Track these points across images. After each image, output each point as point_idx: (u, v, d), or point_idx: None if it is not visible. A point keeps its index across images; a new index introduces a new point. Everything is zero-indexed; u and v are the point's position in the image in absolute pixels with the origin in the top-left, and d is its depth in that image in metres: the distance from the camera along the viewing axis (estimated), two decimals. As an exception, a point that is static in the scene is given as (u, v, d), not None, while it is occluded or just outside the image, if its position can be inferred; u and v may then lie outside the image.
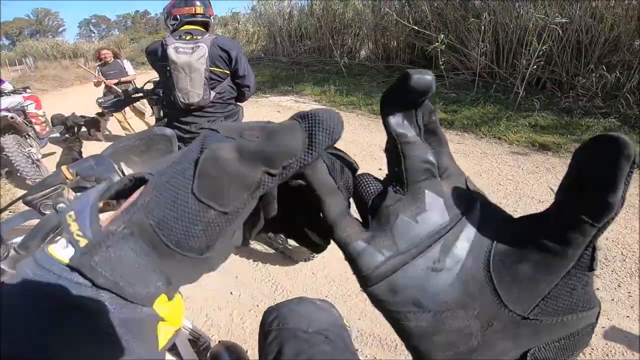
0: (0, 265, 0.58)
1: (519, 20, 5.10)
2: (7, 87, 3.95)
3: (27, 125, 3.68)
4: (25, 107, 3.83)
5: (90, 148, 4.35)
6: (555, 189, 0.20)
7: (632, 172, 0.17)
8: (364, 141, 4.29)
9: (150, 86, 2.85)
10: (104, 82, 4.73)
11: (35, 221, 0.65)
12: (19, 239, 0.61)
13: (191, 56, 1.97)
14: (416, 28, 6.01)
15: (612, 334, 1.66)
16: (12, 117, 3.36)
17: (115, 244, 0.19)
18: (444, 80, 5.80)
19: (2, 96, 3.70)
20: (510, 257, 0.20)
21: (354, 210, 0.23)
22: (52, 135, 4.30)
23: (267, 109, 5.95)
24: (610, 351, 1.59)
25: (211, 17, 2.18)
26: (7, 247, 0.60)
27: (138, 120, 5.06)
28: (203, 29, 2.11)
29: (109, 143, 1.06)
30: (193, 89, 2.03)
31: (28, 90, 4.18)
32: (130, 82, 4.91)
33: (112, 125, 5.06)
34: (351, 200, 0.24)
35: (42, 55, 19.59)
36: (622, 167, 0.17)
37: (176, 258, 0.20)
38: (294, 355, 0.64)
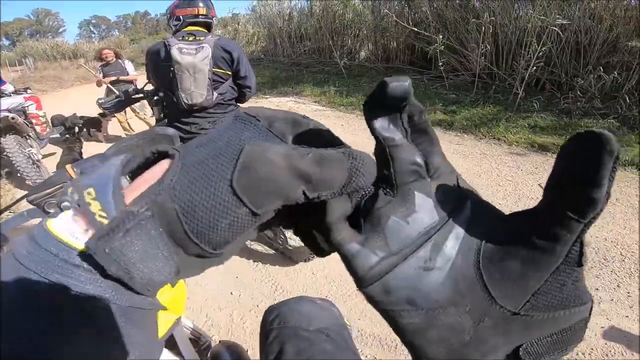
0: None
1: (518, 21, 5.12)
2: (8, 88, 3.95)
3: (27, 125, 3.69)
4: (26, 108, 3.83)
5: (91, 149, 4.36)
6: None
7: (615, 167, 0.17)
8: (363, 142, 4.29)
9: (150, 87, 2.86)
10: (103, 81, 4.74)
11: (38, 220, 0.65)
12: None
13: (195, 57, 1.98)
14: (415, 29, 6.02)
15: (611, 333, 1.67)
16: (13, 118, 3.36)
17: (134, 228, 0.18)
18: (443, 81, 5.81)
19: (3, 97, 3.70)
20: (500, 255, 0.20)
21: None
22: (52, 136, 4.30)
23: (267, 110, 5.94)
24: (610, 351, 1.59)
25: (214, 19, 2.18)
26: (10, 246, 0.60)
27: (138, 120, 5.06)
28: (205, 30, 2.12)
29: (110, 144, 1.07)
30: (197, 90, 2.04)
31: (29, 91, 4.19)
32: (131, 82, 4.91)
33: (113, 126, 5.07)
34: None
35: (42, 56, 19.60)
36: (605, 162, 0.17)
37: (190, 249, 0.19)
38: (295, 354, 0.64)
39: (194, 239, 0.19)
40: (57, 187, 0.62)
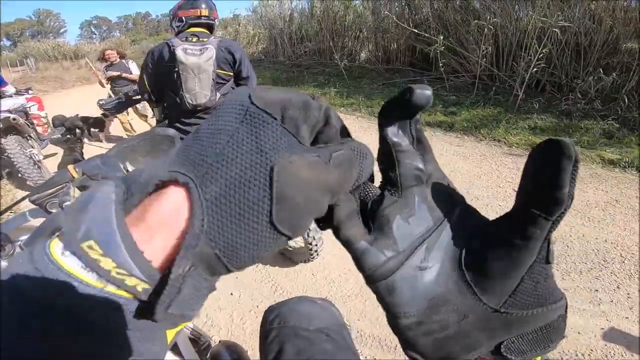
0: (6, 263, 0.59)
1: (519, 23, 5.12)
2: (10, 89, 3.96)
3: (29, 126, 3.70)
4: (28, 109, 3.85)
5: (92, 150, 4.36)
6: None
7: (576, 170, 0.19)
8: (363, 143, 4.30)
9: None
10: (106, 76, 4.77)
11: (40, 219, 0.66)
12: (24, 237, 0.62)
13: (200, 57, 1.99)
14: (416, 31, 6.03)
15: (611, 335, 1.67)
16: (14, 119, 3.37)
17: (184, 284, 0.18)
18: (443, 82, 5.81)
19: (5, 98, 3.71)
20: (482, 255, 0.22)
21: None
22: (53, 137, 4.30)
23: (267, 111, 5.95)
24: (610, 352, 1.59)
25: (215, 20, 2.20)
26: (13, 246, 0.61)
27: (140, 121, 5.08)
28: (207, 32, 2.13)
29: (111, 144, 1.07)
30: (201, 90, 2.05)
31: (30, 92, 4.20)
32: (134, 81, 4.93)
33: (115, 126, 5.08)
34: None
35: (43, 57, 19.63)
36: (565, 166, 0.19)
37: (223, 274, 0.20)
38: (295, 353, 0.64)
39: (232, 270, 0.19)
40: (59, 187, 0.63)
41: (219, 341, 1.05)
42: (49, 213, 0.62)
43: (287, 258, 2.25)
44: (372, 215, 0.23)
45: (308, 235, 2.00)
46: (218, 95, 2.12)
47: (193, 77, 2.02)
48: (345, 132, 0.23)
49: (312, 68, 8.66)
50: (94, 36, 62.75)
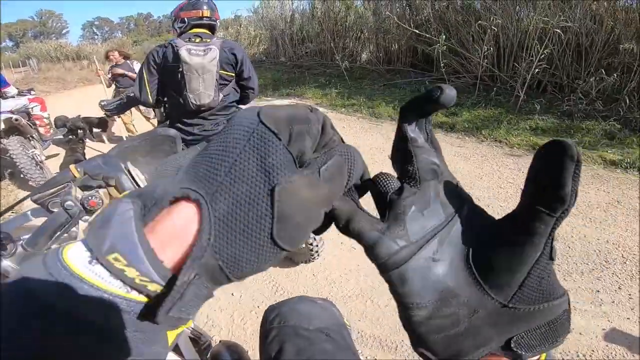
0: (8, 262, 0.59)
1: (520, 23, 5.12)
2: (12, 90, 3.98)
3: (31, 127, 3.71)
4: (30, 109, 3.86)
5: (93, 150, 4.38)
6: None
7: (578, 169, 0.20)
8: (365, 144, 4.30)
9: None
10: (112, 72, 4.81)
11: (42, 219, 0.66)
12: (26, 237, 0.62)
13: (204, 58, 2.00)
14: (417, 31, 6.03)
15: (612, 335, 1.66)
16: (16, 119, 3.39)
17: (187, 291, 0.19)
18: (445, 83, 5.80)
19: (7, 99, 3.73)
20: (489, 251, 0.23)
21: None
22: (55, 137, 4.32)
23: (268, 112, 5.96)
24: (611, 353, 1.59)
25: (217, 21, 2.21)
26: (14, 245, 0.61)
27: (142, 122, 5.09)
28: (209, 32, 2.14)
29: (113, 144, 1.08)
30: (205, 90, 2.06)
31: (32, 92, 4.22)
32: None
33: (117, 127, 5.09)
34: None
35: (45, 57, 19.70)
36: (568, 166, 0.20)
37: (224, 284, 0.21)
38: (294, 353, 0.64)
39: (233, 280, 0.21)
40: (60, 186, 0.63)
41: (220, 341, 1.05)
42: (50, 212, 0.63)
43: (288, 258, 2.25)
44: (390, 204, 0.24)
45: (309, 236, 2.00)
46: (220, 95, 2.13)
47: (197, 78, 2.02)
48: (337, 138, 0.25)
49: (313, 69, 8.67)
50: (95, 37, 62.97)
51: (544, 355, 0.24)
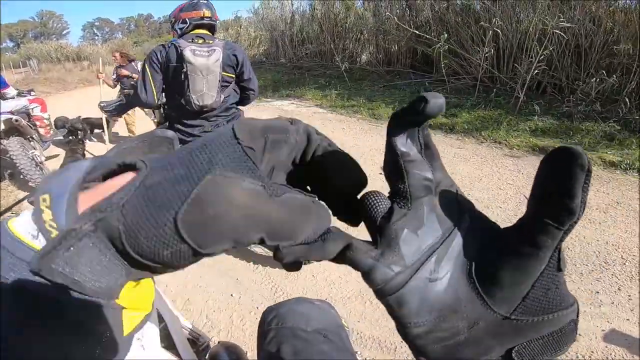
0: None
1: (519, 25, 5.13)
2: (11, 92, 3.98)
3: (31, 128, 3.71)
4: (31, 110, 3.86)
5: (95, 150, 4.38)
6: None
7: (588, 179, 0.19)
8: (364, 145, 4.30)
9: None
10: (118, 73, 4.83)
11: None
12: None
13: (208, 59, 2.01)
14: (417, 32, 6.04)
15: (612, 336, 1.66)
16: (16, 120, 3.39)
17: (77, 243, 0.17)
18: (444, 85, 5.82)
19: (7, 100, 3.73)
20: (492, 264, 0.22)
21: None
22: (55, 138, 4.33)
23: (268, 113, 5.97)
24: (610, 354, 1.59)
25: (217, 22, 2.22)
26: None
27: (144, 122, 5.10)
28: (210, 33, 2.15)
29: (112, 146, 1.08)
30: (209, 91, 2.06)
31: (32, 93, 4.22)
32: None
33: (120, 127, 5.11)
34: None
35: (46, 58, 19.70)
36: (578, 176, 0.19)
37: (134, 263, 0.19)
38: (292, 354, 0.64)
39: (137, 258, 0.18)
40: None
41: (218, 342, 1.05)
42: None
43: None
44: (379, 230, 0.23)
45: None
46: (222, 96, 2.14)
47: (201, 79, 2.03)
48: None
49: (313, 70, 8.68)
50: (96, 38, 63.04)
51: None
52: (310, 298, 0.82)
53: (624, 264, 2.12)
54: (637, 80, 4.16)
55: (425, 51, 6.39)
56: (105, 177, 0.21)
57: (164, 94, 2.31)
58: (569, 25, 4.42)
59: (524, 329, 0.22)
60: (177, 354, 0.92)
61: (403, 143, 0.23)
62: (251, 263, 2.31)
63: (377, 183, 0.25)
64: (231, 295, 2.08)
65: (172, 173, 0.18)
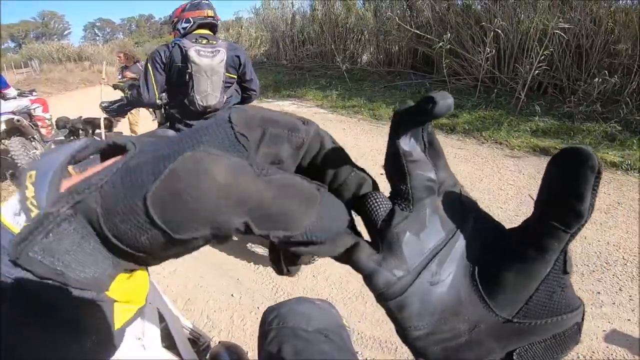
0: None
1: (520, 25, 5.13)
2: (12, 92, 4.00)
3: (32, 128, 3.73)
4: (32, 110, 3.88)
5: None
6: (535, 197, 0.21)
7: (598, 181, 0.18)
8: (365, 146, 4.30)
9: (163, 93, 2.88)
10: (123, 74, 4.87)
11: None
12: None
13: (213, 60, 2.01)
14: (418, 32, 6.04)
15: (613, 337, 1.66)
16: (18, 120, 3.41)
17: (55, 228, 0.16)
18: (445, 85, 5.82)
19: (8, 100, 3.74)
20: (496, 267, 0.22)
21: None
22: (56, 138, 4.33)
23: (269, 113, 5.97)
24: (611, 354, 1.58)
25: (218, 22, 2.23)
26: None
27: (146, 123, 5.12)
28: (212, 33, 2.16)
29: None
30: (213, 92, 2.07)
31: (34, 93, 4.24)
32: None
33: (121, 127, 5.11)
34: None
35: (47, 58, 19.71)
36: (588, 178, 0.18)
37: (117, 251, 0.17)
38: (293, 354, 0.64)
39: (116, 243, 0.17)
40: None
41: (219, 342, 1.05)
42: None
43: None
44: (381, 233, 0.22)
45: None
46: (225, 97, 2.15)
47: (206, 79, 2.03)
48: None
49: (314, 71, 8.68)
50: (97, 38, 63.13)
51: None
52: (311, 298, 0.82)
53: (625, 264, 2.12)
54: (638, 80, 4.16)
55: (426, 52, 6.39)
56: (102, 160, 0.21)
57: (164, 94, 2.31)
58: (569, 25, 4.41)
59: (526, 331, 0.21)
60: (177, 353, 0.92)
61: (406, 142, 0.22)
62: (252, 263, 2.31)
63: (379, 184, 0.24)
64: (232, 295, 2.08)
65: (157, 154, 0.17)
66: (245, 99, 2.32)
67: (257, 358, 0.71)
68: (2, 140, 3.36)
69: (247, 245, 2.34)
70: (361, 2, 8.13)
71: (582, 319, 0.22)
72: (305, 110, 6.29)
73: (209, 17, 2.12)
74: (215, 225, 0.16)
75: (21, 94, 4.03)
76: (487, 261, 0.22)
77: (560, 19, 4.44)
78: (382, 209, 0.22)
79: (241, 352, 1.01)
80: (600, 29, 4.54)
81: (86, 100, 7.43)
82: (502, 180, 3.24)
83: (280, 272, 0.24)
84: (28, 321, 0.17)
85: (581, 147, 0.18)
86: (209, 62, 2.01)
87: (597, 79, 4.33)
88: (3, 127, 3.31)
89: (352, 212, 0.23)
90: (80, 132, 4.34)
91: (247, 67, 2.18)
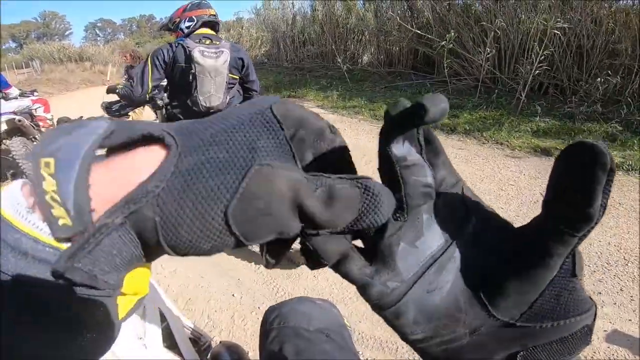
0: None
1: (521, 25, 5.13)
2: (14, 92, 4.01)
3: (34, 128, 3.73)
4: (34, 110, 3.89)
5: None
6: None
7: (611, 180, 0.16)
8: (366, 146, 4.30)
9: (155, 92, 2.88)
10: (128, 74, 4.90)
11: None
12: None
13: (217, 60, 2.01)
14: (419, 32, 6.04)
15: (614, 337, 1.66)
16: (19, 120, 3.41)
17: (106, 238, 0.16)
18: (446, 85, 5.82)
19: (10, 100, 3.75)
20: (498, 272, 0.21)
21: None
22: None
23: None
24: (613, 354, 1.58)
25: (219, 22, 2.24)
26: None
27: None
28: (214, 33, 2.17)
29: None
30: (216, 93, 2.07)
31: (35, 94, 4.25)
32: None
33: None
34: None
35: (48, 59, 19.72)
36: (599, 178, 0.16)
37: (156, 253, 0.18)
38: (294, 353, 0.64)
39: (166, 249, 0.17)
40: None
41: (220, 342, 1.05)
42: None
43: (289, 260, 2.25)
44: (373, 245, 0.21)
45: None
46: (228, 98, 2.16)
47: (210, 80, 2.03)
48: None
49: (314, 71, 8.68)
50: (98, 38, 63.22)
51: None
52: (312, 297, 0.82)
53: (626, 264, 2.11)
54: (639, 81, 4.15)
55: (427, 52, 6.39)
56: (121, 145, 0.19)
57: (166, 94, 2.31)
58: (570, 25, 4.41)
59: (531, 334, 0.20)
60: (179, 353, 0.92)
61: (399, 147, 0.20)
62: (252, 263, 2.31)
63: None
64: (233, 295, 2.08)
65: (209, 155, 0.17)
66: (246, 100, 2.33)
67: (258, 358, 0.71)
68: (4, 140, 3.37)
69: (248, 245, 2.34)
70: (362, 2, 8.13)
71: (593, 321, 0.21)
72: (305, 110, 6.28)
73: (211, 15, 2.13)
74: (280, 231, 0.18)
75: (22, 94, 4.05)
76: (488, 266, 0.21)
77: (561, 19, 4.44)
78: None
79: (242, 352, 1.01)
80: (600, 29, 4.53)
81: (87, 101, 7.45)
82: (503, 180, 3.24)
83: (267, 264, 0.24)
84: (23, 320, 0.17)
85: (592, 142, 0.16)
86: (212, 62, 2.01)
87: (599, 79, 4.33)
88: (4, 127, 3.32)
89: None
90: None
91: (249, 68, 2.20)
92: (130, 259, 0.17)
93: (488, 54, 5.08)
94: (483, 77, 5.47)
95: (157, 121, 3.20)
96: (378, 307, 0.21)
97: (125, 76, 5.00)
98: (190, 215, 0.16)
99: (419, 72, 6.87)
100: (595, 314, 0.21)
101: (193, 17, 2.10)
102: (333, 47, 8.18)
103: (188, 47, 1.99)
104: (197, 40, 2.04)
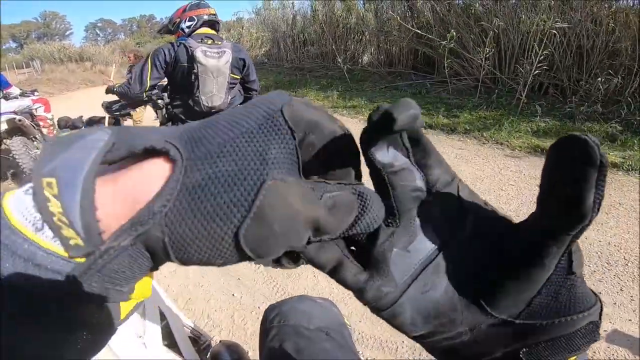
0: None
1: (521, 25, 5.13)
2: (15, 91, 4.01)
3: (34, 127, 3.74)
4: (34, 110, 3.89)
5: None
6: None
7: (603, 174, 0.15)
8: (366, 145, 4.31)
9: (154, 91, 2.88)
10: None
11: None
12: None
13: (219, 60, 2.02)
14: (419, 32, 6.05)
15: (614, 337, 1.66)
16: (20, 120, 3.42)
17: (115, 259, 0.16)
18: (446, 85, 5.82)
19: (10, 100, 3.75)
20: (494, 271, 0.21)
21: None
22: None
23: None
24: (613, 354, 1.58)
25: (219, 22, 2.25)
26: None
27: (147, 123, 5.13)
28: (215, 33, 2.17)
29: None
30: (218, 93, 2.08)
31: (36, 93, 4.25)
32: None
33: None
34: None
35: (49, 59, 19.75)
36: (588, 175, 0.16)
37: (163, 263, 0.18)
38: (294, 352, 0.64)
39: (178, 264, 0.17)
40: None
41: (220, 341, 1.05)
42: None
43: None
44: (366, 252, 0.21)
45: None
46: (229, 98, 2.16)
47: (212, 80, 2.04)
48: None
49: (314, 71, 8.69)
50: (98, 38, 63.23)
51: (574, 358, 0.21)
52: (313, 296, 0.82)
53: (626, 264, 2.11)
54: (639, 81, 4.15)
55: (427, 52, 6.39)
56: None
57: (165, 94, 2.31)
58: (570, 25, 4.41)
59: (530, 332, 0.20)
60: (178, 352, 0.93)
61: (384, 154, 0.20)
62: (252, 263, 2.31)
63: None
64: (232, 294, 2.08)
65: (217, 169, 0.16)
66: (246, 99, 2.33)
67: (257, 357, 0.71)
68: (4, 140, 3.37)
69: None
70: (362, 2, 8.14)
71: (600, 318, 0.20)
72: (306, 110, 6.29)
73: (211, 14, 2.13)
74: (293, 246, 0.18)
75: (23, 94, 4.05)
76: (484, 266, 0.21)
77: (561, 20, 4.44)
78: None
79: (242, 351, 1.01)
80: (600, 29, 4.54)
81: (87, 101, 7.45)
82: (503, 180, 3.24)
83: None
84: (25, 320, 0.16)
85: (580, 135, 0.16)
86: (215, 62, 2.01)
87: (599, 79, 4.33)
88: (5, 126, 3.32)
89: None
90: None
91: (250, 68, 2.22)
92: (141, 270, 0.17)
93: (488, 54, 5.08)
94: (483, 77, 5.47)
95: (158, 121, 3.20)
96: (375, 309, 0.21)
97: (129, 75, 5.01)
98: (199, 236, 0.16)
99: (419, 72, 6.87)
100: (602, 311, 0.21)
101: (193, 16, 2.10)
102: (333, 47, 8.19)
103: (190, 46, 1.99)
104: (199, 40, 2.04)
